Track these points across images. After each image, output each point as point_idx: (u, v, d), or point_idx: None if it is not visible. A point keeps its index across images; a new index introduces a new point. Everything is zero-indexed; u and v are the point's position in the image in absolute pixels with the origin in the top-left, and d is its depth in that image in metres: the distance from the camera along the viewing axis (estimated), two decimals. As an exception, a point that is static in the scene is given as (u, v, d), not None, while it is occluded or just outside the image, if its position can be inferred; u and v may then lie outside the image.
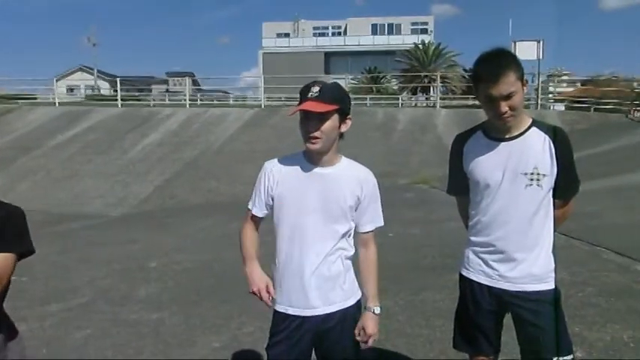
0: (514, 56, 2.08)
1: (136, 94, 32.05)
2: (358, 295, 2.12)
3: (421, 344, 3.59)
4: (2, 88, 25.48)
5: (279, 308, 2.08)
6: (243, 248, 2.15)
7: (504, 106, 1.97)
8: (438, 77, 25.34)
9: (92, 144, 18.21)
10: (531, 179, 2.04)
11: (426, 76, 33.02)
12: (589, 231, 5.90)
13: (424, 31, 49.92)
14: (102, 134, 19.02)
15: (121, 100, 24.10)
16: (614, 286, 4.41)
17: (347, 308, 2.07)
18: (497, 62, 2.00)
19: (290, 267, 2.04)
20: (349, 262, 2.10)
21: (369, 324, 2.08)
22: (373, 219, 2.12)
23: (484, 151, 2.13)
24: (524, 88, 2.04)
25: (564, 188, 2.12)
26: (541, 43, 21.52)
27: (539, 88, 21.83)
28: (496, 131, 2.11)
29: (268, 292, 2.04)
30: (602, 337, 3.46)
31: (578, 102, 23.29)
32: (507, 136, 2.09)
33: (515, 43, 22.25)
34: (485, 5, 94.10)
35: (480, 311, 2.19)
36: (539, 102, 21.33)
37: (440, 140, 16.59)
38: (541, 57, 21.63)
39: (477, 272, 2.19)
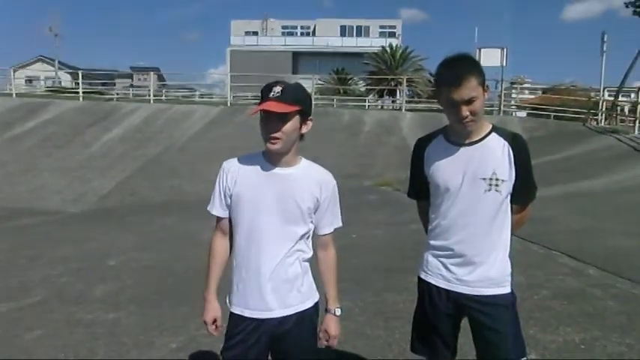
0: (476, 62, 2.10)
1: (99, 87, 31.32)
2: (316, 298, 2.11)
3: (380, 346, 3.61)
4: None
5: (235, 310, 2.05)
6: (208, 270, 2.13)
7: (465, 111, 1.99)
8: (404, 81, 25.60)
9: (51, 137, 17.67)
10: (490, 184, 2.06)
11: (393, 79, 33.34)
12: (545, 235, 6.06)
13: (392, 35, 50.43)
14: (62, 128, 18.48)
15: (83, 93, 23.47)
16: (568, 290, 4.54)
17: (304, 311, 2.05)
18: (460, 67, 2.01)
19: (246, 268, 2.02)
20: (307, 265, 2.09)
21: (331, 325, 2.10)
22: (332, 221, 2.11)
23: (444, 155, 2.14)
24: (486, 94, 2.05)
25: (522, 194, 2.15)
26: (505, 50, 22.04)
27: (502, 95, 22.30)
28: (457, 136, 2.13)
29: (216, 325, 2.10)
30: (555, 340, 3.55)
31: (539, 109, 23.91)
32: (467, 141, 2.11)
33: (479, 49, 22.72)
34: (452, 12, 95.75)
35: (437, 314, 2.20)
36: (502, 108, 21.79)
37: (404, 142, 16.77)
38: (504, 64, 22.14)
39: (436, 275, 2.20)
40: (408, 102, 25.02)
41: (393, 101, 33.88)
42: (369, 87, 35.75)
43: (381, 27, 53.20)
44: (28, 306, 4.72)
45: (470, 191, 2.09)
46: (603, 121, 19.81)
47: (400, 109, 23.15)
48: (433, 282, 2.21)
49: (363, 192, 11.21)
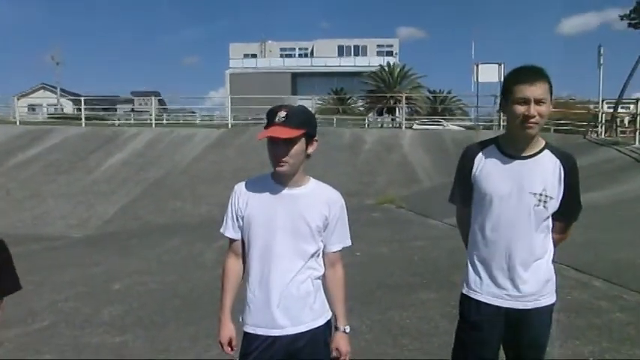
0: (549, 75, 2.14)
1: (101, 113, 31.55)
2: (328, 315, 2.13)
3: (389, 363, 3.60)
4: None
5: (248, 329, 2.07)
6: (222, 291, 2.15)
7: (534, 110, 2.02)
8: (404, 98, 25.77)
9: (55, 164, 17.76)
10: (539, 200, 2.09)
11: (392, 97, 33.59)
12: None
13: (389, 54, 50.97)
14: (65, 154, 18.58)
15: (85, 119, 23.66)
16: (574, 302, 4.52)
17: (317, 328, 2.08)
18: (535, 71, 2.08)
19: (259, 287, 2.05)
20: (319, 282, 2.12)
21: (342, 343, 2.12)
22: (341, 239, 2.15)
23: (496, 165, 2.16)
24: (551, 106, 2.10)
25: (566, 213, 2.18)
26: (502, 66, 22.22)
27: (501, 109, 22.41)
28: (511, 148, 2.15)
29: (231, 345, 2.10)
30: (564, 353, 3.54)
31: (539, 123, 23.98)
32: (521, 155, 2.13)
33: (477, 65, 22.95)
34: (449, 29, 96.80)
35: (484, 332, 2.18)
36: (502, 123, 21.90)
37: (405, 159, 16.85)
38: (502, 79, 22.28)
39: (484, 292, 2.18)
40: (407, 119, 25.16)
41: (392, 119, 34.07)
42: (368, 106, 36.00)
43: (379, 46, 53.78)
44: (35, 331, 4.72)
45: (518, 204, 2.10)
46: (603, 133, 19.86)
47: (400, 126, 23.27)
48: (479, 298, 2.19)
49: (366, 210, 11.22)
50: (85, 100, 25.13)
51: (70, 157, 18.24)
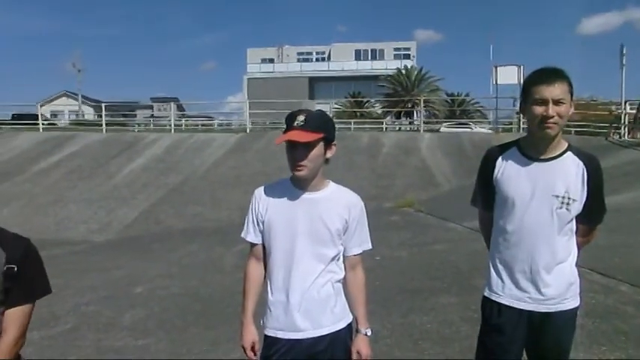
0: (569, 76, 2.12)
1: (121, 119, 31.98)
2: (349, 319, 2.13)
3: (410, 367, 3.58)
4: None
5: (269, 332, 2.08)
6: (244, 295, 2.16)
7: (553, 111, 2.00)
8: (422, 101, 25.66)
9: (76, 169, 18.04)
10: (562, 202, 2.07)
11: (410, 100, 33.47)
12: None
13: (407, 57, 50.76)
14: (86, 160, 18.87)
15: (106, 125, 24.00)
16: (600, 308, 4.44)
17: (338, 331, 2.07)
18: (555, 72, 2.06)
19: (280, 291, 2.06)
20: (339, 285, 2.12)
21: (362, 346, 2.11)
22: (361, 242, 2.15)
23: (518, 168, 2.14)
24: (571, 109, 2.07)
25: (590, 215, 2.15)
26: (521, 68, 21.99)
27: (521, 111, 22.17)
28: (532, 150, 2.13)
29: (253, 351, 2.09)
30: (589, 359, 3.48)
31: (559, 125, 23.64)
32: (543, 157, 2.11)
33: (496, 67, 22.74)
34: (467, 31, 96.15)
35: (507, 335, 2.16)
36: (521, 125, 21.67)
37: (424, 163, 16.74)
38: (521, 81, 22.05)
39: (506, 295, 2.16)
40: (425, 122, 25.02)
41: (410, 122, 33.94)
42: (385, 109, 35.91)
43: (396, 49, 53.59)
44: (59, 334, 4.79)
45: (540, 207, 2.09)
46: (626, 134, 19.53)
47: (418, 129, 23.16)
48: (502, 301, 2.17)
49: (385, 213, 11.17)
50: (105, 106, 25.50)
51: (92, 163, 18.51)
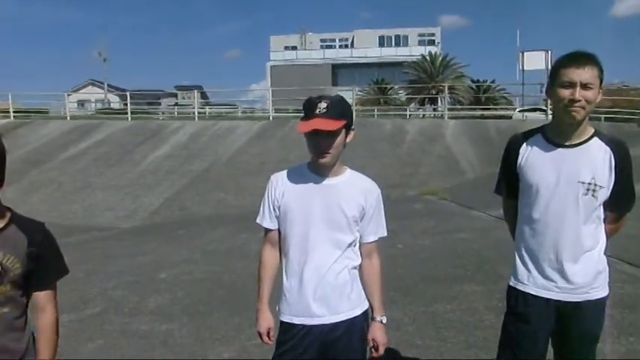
0: (600, 62, 2.07)
1: (146, 107, 32.34)
2: (365, 306, 2.13)
3: (432, 356, 3.57)
4: (16, 102, 25.76)
5: (285, 318, 2.09)
6: (259, 281, 2.17)
7: (580, 94, 1.95)
8: (446, 88, 25.29)
9: (103, 157, 18.35)
10: (588, 189, 2.02)
11: (434, 87, 33.05)
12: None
13: (431, 43, 50.11)
14: (112, 147, 19.18)
15: (131, 113, 24.31)
16: (628, 297, 4.37)
17: (354, 318, 2.08)
18: (586, 55, 2.01)
19: (295, 277, 2.06)
20: (355, 272, 2.11)
21: (378, 333, 2.11)
22: (377, 230, 2.14)
23: (542, 154, 2.09)
24: (600, 95, 2.02)
25: (618, 202, 2.10)
26: (549, 53, 21.45)
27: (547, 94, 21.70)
28: (558, 136, 2.08)
29: (269, 336, 2.11)
30: (617, 350, 3.42)
31: (588, 112, 23.10)
32: (568, 143, 2.06)
33: (522, 53, 22.25)
34: (493, 16, 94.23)
35: (532, 324, 2.13)
36: (549, 111, 21.22)
37: (448, 151, 16.56)
38: (549, 67, 21.55)
39: (533, 285, 2.13)
40: (450, 109, 24.70)
41: (434, 109, 33.55)
42: (409, 96, 35.54)
43: (420, 35, 52.93)
44: (87, 317, 4.90)
45: (565, 194, 2.04)
46: (659, 121, 18.98)
47: (442, 116, 22.88)
48: (528, 290, 2.14)
49: (408, 201, 11.11)
50: (130, 94, 25.82)
51: (118, 150, 18.81)
